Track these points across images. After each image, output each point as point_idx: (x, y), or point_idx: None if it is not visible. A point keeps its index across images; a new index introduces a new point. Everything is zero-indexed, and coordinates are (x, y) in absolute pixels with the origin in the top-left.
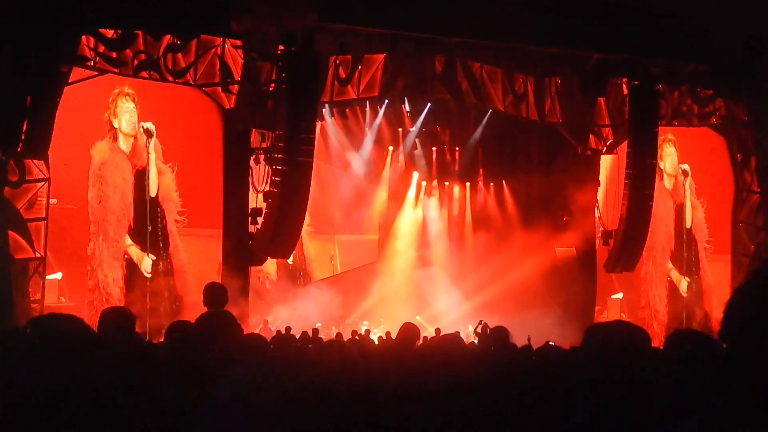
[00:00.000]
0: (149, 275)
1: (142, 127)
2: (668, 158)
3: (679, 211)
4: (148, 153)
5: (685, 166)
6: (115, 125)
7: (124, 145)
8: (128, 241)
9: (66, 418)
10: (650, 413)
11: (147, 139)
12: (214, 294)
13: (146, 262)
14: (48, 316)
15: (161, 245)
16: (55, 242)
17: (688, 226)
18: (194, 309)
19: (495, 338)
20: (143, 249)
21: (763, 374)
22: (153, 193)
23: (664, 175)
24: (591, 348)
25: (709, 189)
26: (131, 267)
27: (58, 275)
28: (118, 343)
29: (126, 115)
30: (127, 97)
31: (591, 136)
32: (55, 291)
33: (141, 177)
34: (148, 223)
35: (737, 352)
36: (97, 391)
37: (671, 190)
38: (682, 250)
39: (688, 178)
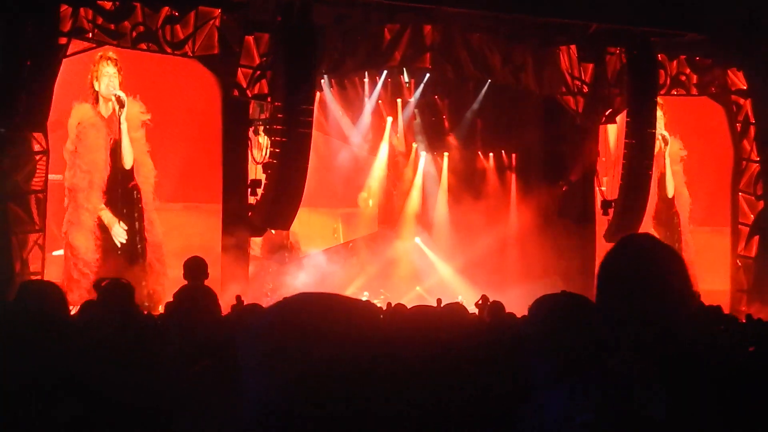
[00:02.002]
0: (120, 243)
1: (114, 95)
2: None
3: (661, 179)
4: (119, 123)
5: (665, 132)
6: (96, 89)
7: (103, 109)
8: (100, 205)
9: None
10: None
11: (119, 108)
12: (193, 267)
13: (118, 230)
14: (28, 286)
15: (136, 219)
16: (60, 218)
17: (669, 195)
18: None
19: (491, 312)
20: (115, 215)
21: (631, 334)
22: (128, 166)
23: None
24: (538, 319)
25: (708, 158)
26: (105, 233)
27: (62, 251)
28: (117, 315)
29: (105, 79)
30: (109, 61)
31: (590, 106)
32: (60, 267)
33: (117, 145)
34: (120, 198)
35: (607, 315)
36: (89, 363)
37: (656, 153)
38: (662, 218)
39: (668, 147)
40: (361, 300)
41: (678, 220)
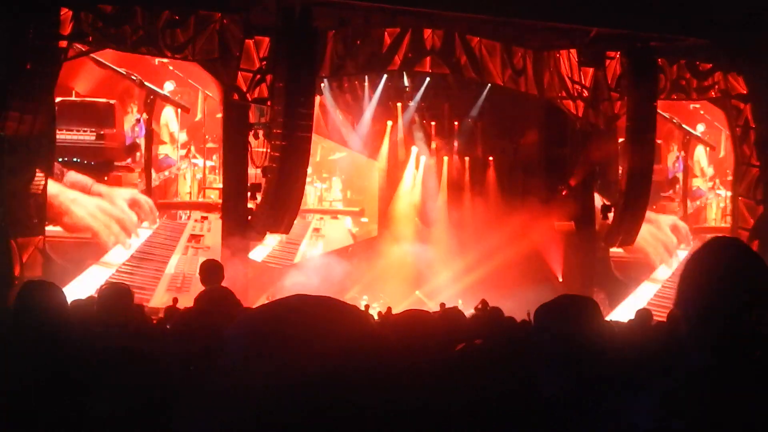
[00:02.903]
0: None
1: None
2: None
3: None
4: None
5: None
6: None
7: None
8: None
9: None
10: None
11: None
12: (209, 271)
13: None
14: (26, 291)
15: None
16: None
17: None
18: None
19: (490, 317)
20: None
21: (712, 338)
22: None
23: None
24: (545, 325)
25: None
26: None
27: None
28: (115, 318)
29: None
30: None
31: (590, 111)
32: None
33: None
34: None
35: (689, 319)
36: (86, 366)
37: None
38: None
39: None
40: (353, 305)
41: None
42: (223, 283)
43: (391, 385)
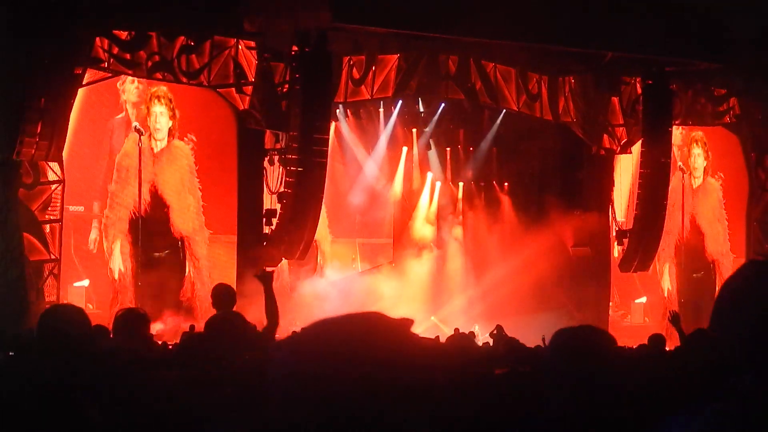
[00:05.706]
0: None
1: (134, 126)
2: (698, 158)
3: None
4: (139, 152)
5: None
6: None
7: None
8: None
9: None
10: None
11: (139, 138)
12: (221, 295)
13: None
14: (51, 314)
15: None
16: (81, 248)
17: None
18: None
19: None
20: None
21: (751, 363)
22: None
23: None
24: (557, 351)
25: (724, 188)
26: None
27: (86, 282)
28: (130, 345)
29: (152, 117)
30: (159, 99)
31: (605, 136)
32: (82, 299)
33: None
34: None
35: (727, 344)
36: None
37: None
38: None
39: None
40: (400, 320)
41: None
42: (239, 309)
43: (425, 399)
